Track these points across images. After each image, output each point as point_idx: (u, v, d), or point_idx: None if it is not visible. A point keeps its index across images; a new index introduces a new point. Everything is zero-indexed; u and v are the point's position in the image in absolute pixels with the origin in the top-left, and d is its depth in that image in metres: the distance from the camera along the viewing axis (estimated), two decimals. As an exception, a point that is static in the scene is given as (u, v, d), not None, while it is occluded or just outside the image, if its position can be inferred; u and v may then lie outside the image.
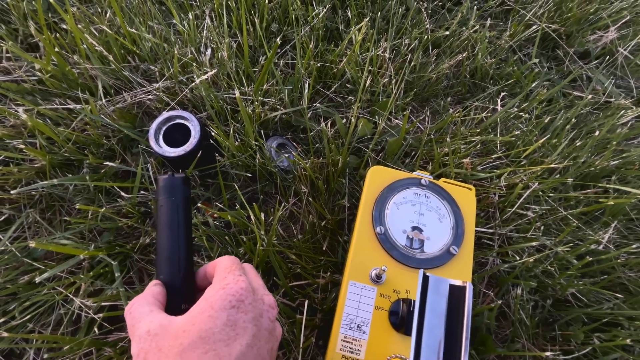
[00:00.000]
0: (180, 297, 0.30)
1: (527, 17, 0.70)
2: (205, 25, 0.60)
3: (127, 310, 0.28)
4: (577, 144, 0.53)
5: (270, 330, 0.27)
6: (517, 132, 0.53)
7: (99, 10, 0.58)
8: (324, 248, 0.47)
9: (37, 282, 0.38)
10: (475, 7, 0.71)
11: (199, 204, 0.51)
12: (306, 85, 0.51)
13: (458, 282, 0.28)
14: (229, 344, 0.24)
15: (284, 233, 0.48)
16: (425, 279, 0.28)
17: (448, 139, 0.50)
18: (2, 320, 0.37)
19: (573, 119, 0.57)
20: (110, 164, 0.47)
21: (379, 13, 0.67)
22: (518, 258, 0.45)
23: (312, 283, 0.45)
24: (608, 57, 0.72)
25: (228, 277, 0.28)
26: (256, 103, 0.51)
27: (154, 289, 0.29)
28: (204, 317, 0.24)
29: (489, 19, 0.68)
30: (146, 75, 0.58)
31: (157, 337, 0.24)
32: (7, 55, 0.54)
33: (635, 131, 0.61)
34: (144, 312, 0.26)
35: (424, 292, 0.27)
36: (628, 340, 0.40)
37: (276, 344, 0.28)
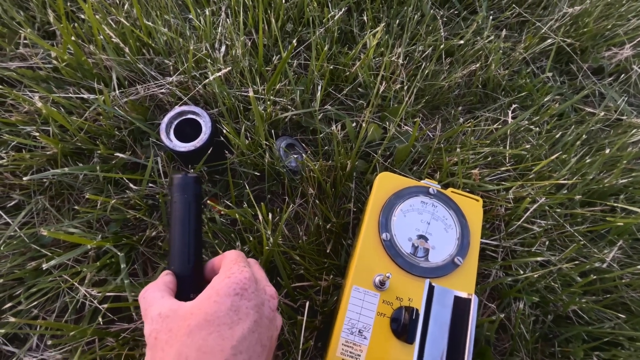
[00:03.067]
0: (189, 287, 0.33)
1: (543, 30, 0.70)
2: (221, 21, 0.60)
3: (141, 295, 0.30)
4: (587, 161, 0.53)
5: (270, 318, 0.29)
6: (527, 146, 0.53)
7: (117, 1, 0.58)
8: (327, 251, 0.47)
9: (44, 268, 0.38)
10: (491, 17, 0.71)
11: (206, 200, 0.51)
12: (319, 87, 0.51)
13: (463, 294, 0.28)
14: (232, 327, 0.25)
15: (289, 233, 0.48)
16: (431, 289, 0.28)
17: (458, 149, 0.50)
18: (9, 305, 0.38)
19: (584, 135, 0.57)
20: (120, 155, 0.47)
21: (394, 18, 0.67)
22: (522, 272, 0.45)
23: (314, 285, 0.46)
24: (622, 74, 0.72)
25: (233, 267, 0.30)
26: (268, 103, 0.51)
27: (165, 278, 0.32)
28: (210, 302, 0.26)
29: (504, 29, 0.68)
30: (160, 68, 0.58)
31: (168, 319, 0.26)
32: (25, 41, 0.54)
33: (646, 150, 0.60)
34: (156, 297, 0.29)
35: (429, 302, 0.27)
36: (628, 361, 0.40)
37: (276, 332, 0.30)
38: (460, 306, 0.27)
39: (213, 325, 0.25)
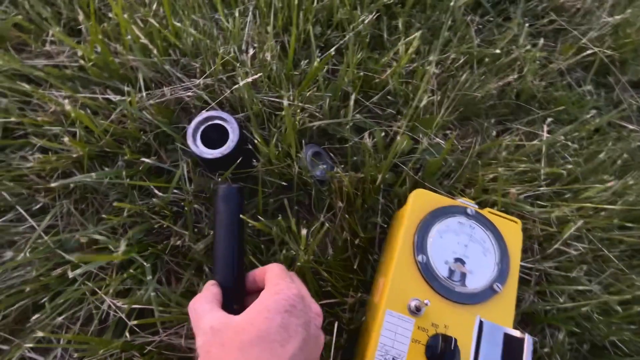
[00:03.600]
0: (232, 298, 0.34)
1: (582, 41, 0.66)
2: (248, 22, 0.58)
3: (191, 306, 0.31)
4: (630, 182, 0.50)
5: (316, 337, 0.30)
6: (570, 166, 0.50)
7: (145, 0, 0.57)
8: (354, 266, 0.46)
9: (70, 277, 0.37)
10: (527, 24, 0.68)
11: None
12: (352, 97, 0.49)
13: (515, 333, 0.26)
14: (283, 345, 0.26)
15: (317, 248, 0.47)
16: (481, 326, 0.26)
17: (500, 170, 0.48)
18: (35, 317, 0.37)
19: (625, 154, 0.54)
20: (147, 160, 0.46)
21: (426, 23, 0.64)
22: (558, 297, 0.43)
23: (341, 302, 0.44)
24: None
25: (281, 283, 0.31)
26: (298, 111, 0.49)
27: (213, 289, 0.33)
28: (261, 318, 0.27)
29: (542, 38, 0.65)
30: (185, 70, 0.57)
31: (220, 333, 0.27)
32: (51, 38, 0.53)
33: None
34: (206, 309, 0.30)
35: (479, 339, 0.26)
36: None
37: (319, 352, 0.31)
38: (512, 345, 0.25)
39: (265, 342, 0.26)
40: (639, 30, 0.69)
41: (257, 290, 0.37)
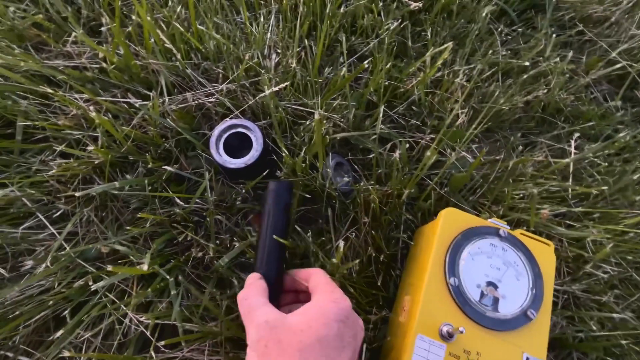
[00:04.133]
0: (272, 295, 0.34)
1: (612, 55, 0.65)
2: (271, 27, 0.57)
3: (242, 298, 0.32)
4: (661, 204, 0.49)
5: (360, 350, 0.31)
6: (605, 188, 0.49)
7: (168, 2, 0.55)
8: (378, 283, 0.45)
9: (92, 289, 0.36)
10: (554, 34, 0.66)
11: (249, 219, 0.49)
12: (381, 109, 0.48)
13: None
14: (339, 353, 0.27)
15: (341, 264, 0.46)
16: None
17: (531, 187, 0.47)
18: (60, 333, 0.36)
19: (655, 174, 0.53)
20: (168, 168, 0.45)
21: (451, 30, 0.63)
22: (590, 325, 0.42)
23: (365, 320, 0.43)
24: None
25: (336, 292, 0.32)
26: (324, 122, 0.48)
27: (261, 283, 0.34)
28: (320, 323, 0.28)
29: (571, 51, 0.63)
30: (207, 74, 0.55)
31: (276, 330, 0.28)
32: (72, 39, 0.52)
33: None
34: (259, 302, 0.31)
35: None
36: None
37: None
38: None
39: (324, 347, 0.26)
40: (668, 44, 0.67)
41: (293, 291, 0.39)
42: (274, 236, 0.37)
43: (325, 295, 0.31)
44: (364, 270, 0.45)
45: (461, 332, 0.33)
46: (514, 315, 0.36)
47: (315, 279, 0.34)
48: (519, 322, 0.36)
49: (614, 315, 0.41)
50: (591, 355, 0.41)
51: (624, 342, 0.41)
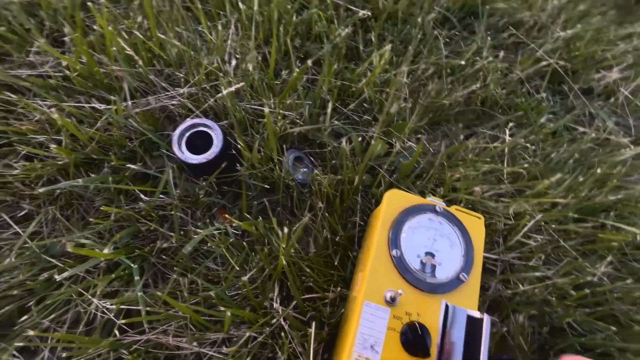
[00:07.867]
0: None
1: (538, 53, 0.73)
2: (230, 34, 0.61)
3: None
4: (580, 179, 0.56)
5: None
6: (526, 165, 0.55)
7: (129, 13, 0.58)
8: (335, 263, 0.49)
9: (57, 280, 0.38)
10: (490, 37, 0.74)
11: (215, 211, 0.52)
12: (329, 105, 0.52)
13: (476, 314, 0.30)
14: None
15: (298, 246, 0.49)
16: (446, 309, 0.30)
17: (462, 170, 0.52)
18: (24, 318, 0.37)
19: (576, 154, 0.60)
20: (132, 166, 0.48)
21: (398, 35, 0.69)
22: (520, 285, 0.47)
23: (323, 297, 0.47)
24: (611, 96, 0.76)
25: None
26: (279, 117, 0.52)
27: None
28: None
29: (502, 50, 0.71)
30: (170, 79, 0.59)
31: None
32: (35, 49, 0.54)
33: (633, 169, 0.64)
34: None
35: (445, 321, 0.29)
36: (618, 372, 0.42)
37: None
38: (473, 325, 0.29)
39: None
40: (587, 44, 0.76)
41: None
42: None
43: None
44: (321, 251, 0.49)
45: (400, 293, 0.37)
46: (448, 279, 0.41)
47: None
48: (453, 284, 0.40)
49: (538, 274, 0.46)
50: (523, 312, 0.46)
51: (549, 297, 0.46)
